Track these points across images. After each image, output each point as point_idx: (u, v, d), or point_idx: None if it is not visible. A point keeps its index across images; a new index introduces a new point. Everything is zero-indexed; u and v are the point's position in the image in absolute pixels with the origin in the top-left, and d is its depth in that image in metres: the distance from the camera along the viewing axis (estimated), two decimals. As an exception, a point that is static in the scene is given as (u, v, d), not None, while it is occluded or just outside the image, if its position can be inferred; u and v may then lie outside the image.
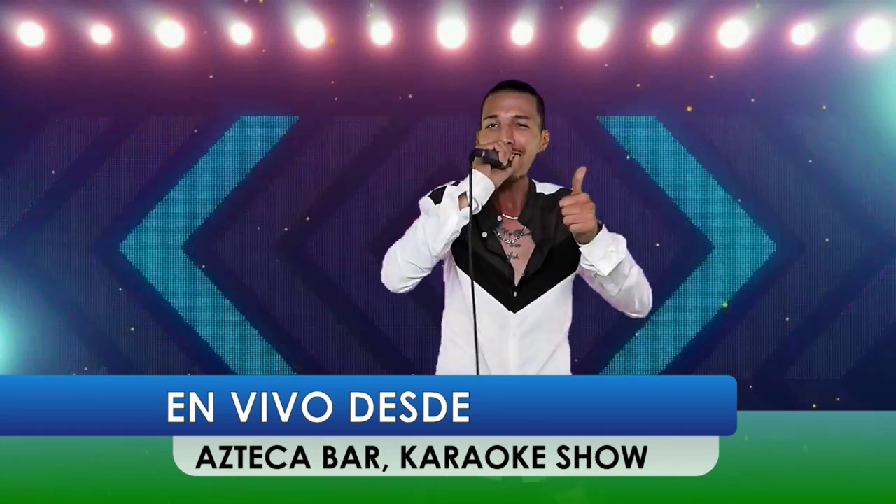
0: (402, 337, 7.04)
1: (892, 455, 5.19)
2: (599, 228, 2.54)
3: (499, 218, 2.72)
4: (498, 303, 2.61)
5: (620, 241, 2.63)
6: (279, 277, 7.17)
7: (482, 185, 2.55)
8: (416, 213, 2.95)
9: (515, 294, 2.59)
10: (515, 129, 2.65)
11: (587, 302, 7.60)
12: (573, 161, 7.11)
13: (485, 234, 2.64)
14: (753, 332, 7.14)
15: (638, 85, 6.95)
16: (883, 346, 7.07)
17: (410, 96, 7.04)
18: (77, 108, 7.05)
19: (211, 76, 6.96)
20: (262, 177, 7.15)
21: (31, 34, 6.85)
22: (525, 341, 2.61)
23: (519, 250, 2.59)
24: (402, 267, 2.57)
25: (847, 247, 7.08)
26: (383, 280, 2.66)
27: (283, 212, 7.15)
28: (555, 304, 2.68)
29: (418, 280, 2.56)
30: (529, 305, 2.63)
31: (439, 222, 2.52)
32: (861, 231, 7.07)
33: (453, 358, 2.72)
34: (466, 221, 2.51)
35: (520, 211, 2.71)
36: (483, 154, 2.56)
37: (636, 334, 7.14)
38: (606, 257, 2.55)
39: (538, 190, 2.76)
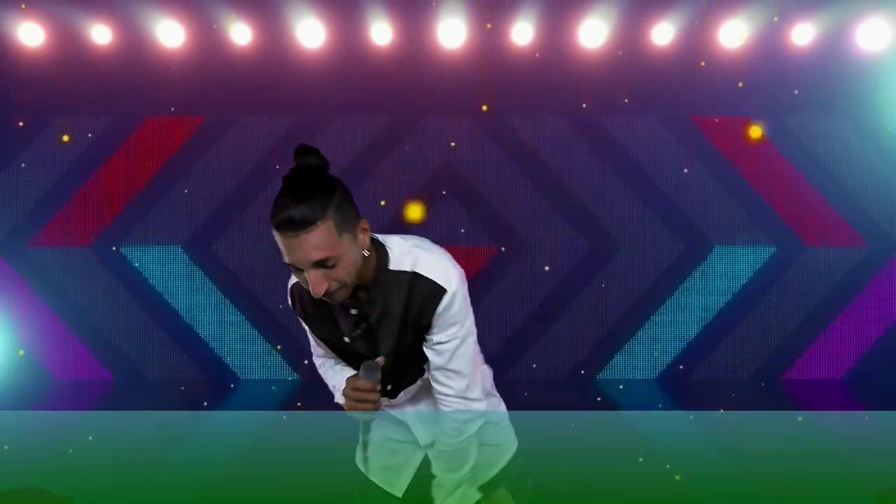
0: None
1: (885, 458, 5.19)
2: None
3: (353, 311, 2.52)
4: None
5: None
6: (279, 277, 7.14)
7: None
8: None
9: (389, 387, 2.54)
10: (323, 272, 2.30)
11: (586, 303, 7.62)
12: (573, 161, 7.13)
13: (347, 340, 2.58)
14: (753, 333, 7.14)
15: (638, 85, 6.95)
16: (883, 346, 7.07)
17: (410, 96, 7.03)
18: (77, 108, 7.05)
19: (211, 76, 6.95)
20: (262, 177, 7.14)
21: (31, 34, 6.85)
22: (414, 402, 2.65)
23: (363, 345, 2.53)
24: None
25: (847, 247, 7.08)
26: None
27: (283, 212, 7.13)
28: (428, 386, 2.57)
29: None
30: (404, 391, 2.60)
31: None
32: (861, 231, 7.07)
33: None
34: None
35: (369, 294, 2.49)
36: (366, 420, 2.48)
37: (636, 335, 7.14)
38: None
39: (391, 266, 2.48)
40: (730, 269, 7.13)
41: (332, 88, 6.99)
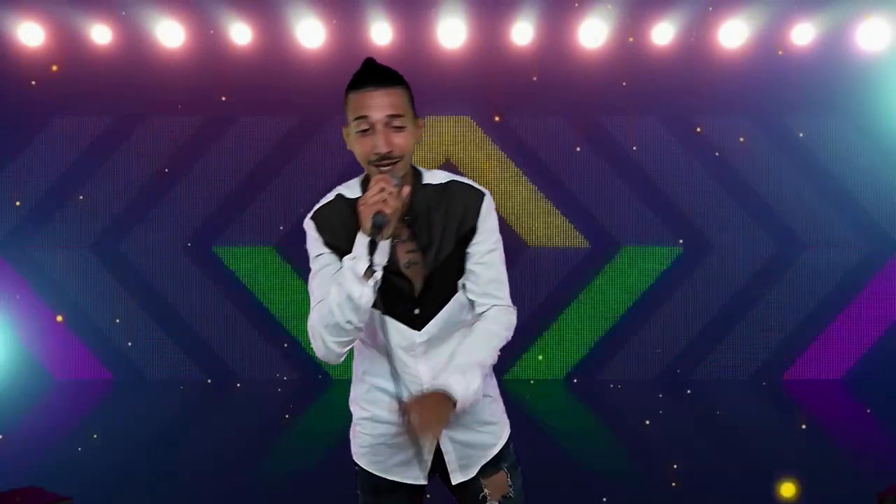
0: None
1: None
2: (454, 405, 2.34)
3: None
4: (402, 325, 2.44)
5: (473, 377, 2.38)
6: (279, 277, 7.17)
7: (383, 252, 2.32)
8: None
9: (417, 311, 2.42)
10: (392, 132, 2.37)
11: (585, 305, 7.61)
12: (573, 161, 7.13)
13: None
14: (753, 333, 7.14)
15: (638, 85, 6.95)
16: (883, 346, 7.07)
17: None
18: (77, 108, 7.05)
19: (211, 76, 6.96)
20: (262, 177, 7.15)
21: (31, 34, 6.85)
22: (431, 358, 2.47)
23: (412, 257, 2.39)
24: (333, 347, 2.36)
25: (847, 247, 7.08)
26: (320, 357, 2.39)
27: (282, 211, 7.14)
28: (455, 314, 2.48)
29: (353, 343, 2.40)
30: (435, 320, 2.45)
31: (352, 302, 2.29)
32: (861, 231, 7.07)
33: (372, 384, 2.52)
34: (376, 286, 2.31)
35: (406, 209, 2.43)
36: (382, 223, 2.27)
37: (635, 336, 7.14)
38: (469, 385, 2.37)
39: (425, 181, 2.49)
40: (730, 269, 7.13)
41: (332, 88, 6.95)
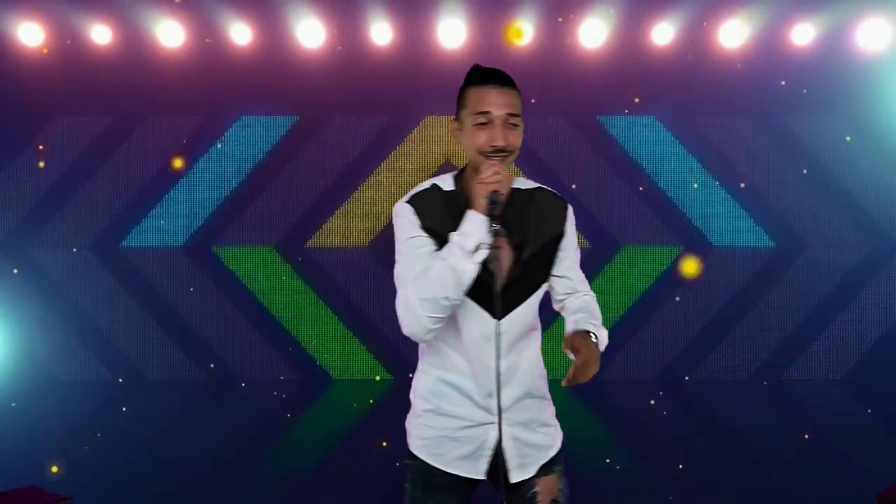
0: (402, 337, 7.01)
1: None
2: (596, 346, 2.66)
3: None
4: (483, 311, 2.55)
5: (602, 335, 2.73)
6: (279, 277, 7.17)
7: (486, 227, 2.45)
8: None
9: (497, 303, 2.52)
10: (508, 129, 2.53)
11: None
12: (573, 161, 7.14)
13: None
14: (753, 333, 7.14)
15: (638, 85, 6.95)
16: (883, 346, 7.07)
17: (410, 96, 7.04)
18: (77, 108, 7.05)
19: (211, 76, 6.96)
20: (262, 177, 7.15)
21: (31, 34, 6.86)
22: (507, 348, 2.57)
23: (498, 252, 2.49)
24: (425, 322, 2.47)
25: (847, 247, 7.09)
26: (407, 333, 2.51)
27: (282, 211, 7.15)
28: (532, 311, 2.64)
29: (442, 323, 2.50)
30: (513, 312, 2.58)
31: (455, 276, 2.43)
32: (861, 231, 7.07)
33: (439, 378, 2.62)
34: (479, 265, 2.46)
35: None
36: (497, 201, 2.44)
37: (635, 336, 7.14)
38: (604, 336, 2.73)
39: (515, 185, 2.65)
40: (730, 269, 7.13)
41: (333, 88, 6.99)
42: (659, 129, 7.09)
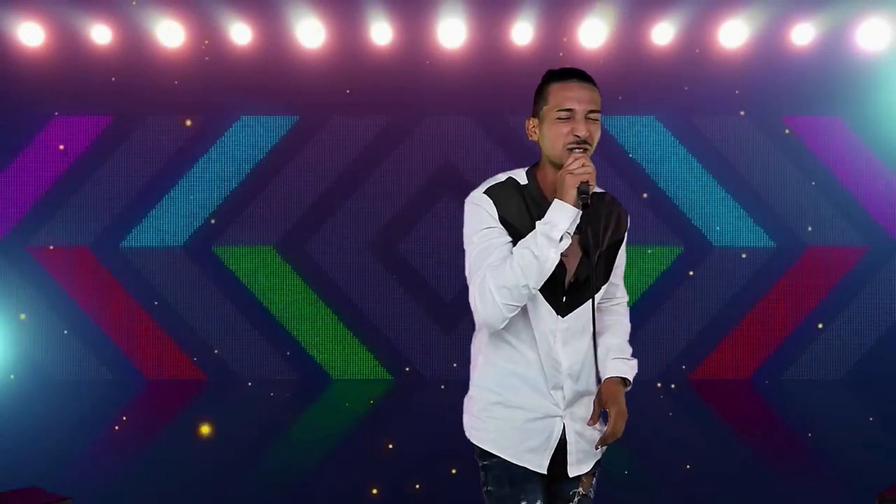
0: (402, 337, 7.03)
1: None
2: (626, 385, 2.72)
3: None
4: (548, 306, 2.58)
5: (633, 365, 2.79)
6: (279, 277, 7.17)
7: (573, 217, 2.50)
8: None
9: (565, 298, 2.58)
10: (590, 123, 2.66)
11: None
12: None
13: None
14: (753, 333, 7.14)
15: (638, 85, 6.94)
16: (883, 346, 7.06)
17: (410, 96, 7.03)
18: (77, 108, 7.05)
19: (211, 76, 6.95)
20: (262, 177, 7.15)
21: (31, 34, 6.85)
22: (569, 347, 2.60)
23: (568, 249, 2.53)
24: (502, 310, 2.47)
25: (847, 247, 7.08)
26: (482, 320, 2.51)
27: (282, 211, 7.15)
28: (592, 311, 2.65)
29: (517, 311, 2.52)
30: (576, 311, 2.62)
31: (538, 264, 2.44)
32: (861, 231, 7.07)
33: (507, 370, 2.61)
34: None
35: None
36: (587, 192, 2.52)
37: (635, 336, 7.12)
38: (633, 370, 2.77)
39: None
40: (729, 269, 7.13)
41: (332, 88, 6.99)
42: (659, 129, 7.09)
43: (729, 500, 4.59)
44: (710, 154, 7.09)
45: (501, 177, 2.67)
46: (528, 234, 2.50)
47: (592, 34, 6.82)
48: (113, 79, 6.91)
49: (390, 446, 5.36)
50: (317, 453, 5.44)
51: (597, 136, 2.67)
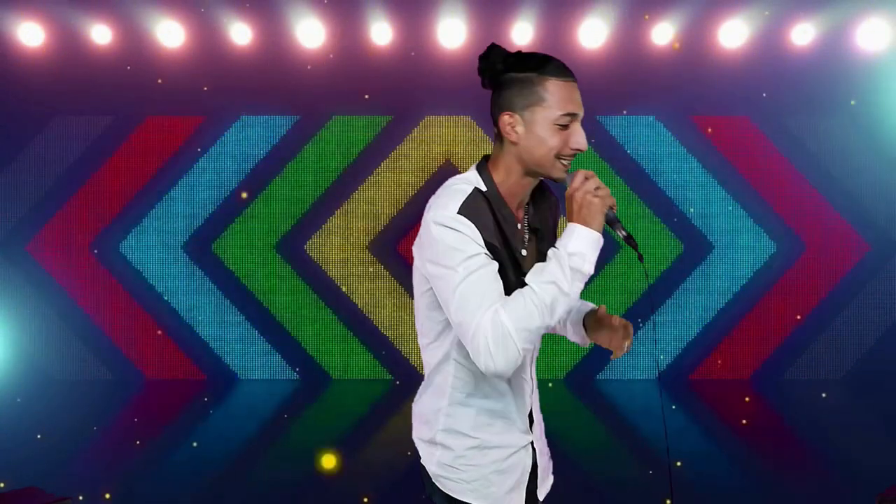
0: (401, 337, 7.04)
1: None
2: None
3: (518, 226, 2.35)
4: None
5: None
6: (279, 277, 7.17)
7: (599, 246, 2.24)
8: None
9: None
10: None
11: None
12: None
13: (521, 253, 2.33)
14: (753, 333, 7.14)
15: (638, 85, 6.94)
16: (883, 346, 7.07)
17: (410, 96, 7.04)
18: (77, 108, 7.05)
19: (211, 76, 6.96)
20: (262, 177, 7.15)
21: (31, 34, 6.85)
22: (534, 362, 2.42)
23: (528, 253, 2.30)
24: (521, 354, 2.11)
25: (847, 247, 7.08)
26: (497, 369, 2.08)
27: (282, 211, 7.15)
28: None
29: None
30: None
31: (568, 302, 2.15)
32: (861, 231, 7.07)
33: (481, 408, 2.29)
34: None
35: (524, 209, 2.38)
36: (612, 219, 2.29)
37: (635, 336, 7.14)
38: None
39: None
40: (730, 269, 7.13)
41: (332, 88, 6.99)
42: (659, 129, 7.10)
43: (729, 501, 4.59)
44: (711, 154, 7.10)
45: (464, 187, 2.22)
46: (504, 252, 2.19)
47: (592, 34, 6.83)
48: (113, 79, 6.92)
49: (390, 446, 5.36)
50: (316, 453, 5.44)
51: None
